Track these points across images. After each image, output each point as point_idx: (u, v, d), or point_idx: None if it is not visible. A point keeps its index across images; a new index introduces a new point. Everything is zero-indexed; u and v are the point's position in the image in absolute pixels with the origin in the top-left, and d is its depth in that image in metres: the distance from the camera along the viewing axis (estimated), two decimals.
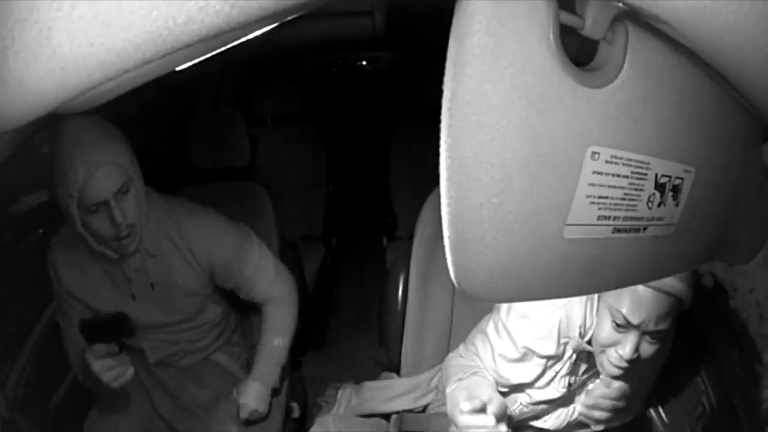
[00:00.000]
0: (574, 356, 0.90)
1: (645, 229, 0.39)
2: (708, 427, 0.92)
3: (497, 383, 0.94)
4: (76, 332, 1.06)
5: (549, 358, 0.90)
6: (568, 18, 0.32)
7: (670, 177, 0.39)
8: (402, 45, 2.80)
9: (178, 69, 0.43)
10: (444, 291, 1.17)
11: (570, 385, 0.93)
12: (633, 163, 0.36)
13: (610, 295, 0.81)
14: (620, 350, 0.80)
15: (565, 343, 0.89)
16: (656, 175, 0.38)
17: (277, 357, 1.24)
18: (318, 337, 2.22)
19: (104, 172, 0.93)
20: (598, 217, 0.36)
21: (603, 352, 0.84)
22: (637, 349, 0.79)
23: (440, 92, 0.31)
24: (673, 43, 0.35)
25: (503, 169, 0.31)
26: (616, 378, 0.86)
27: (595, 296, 0.87)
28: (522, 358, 0.90)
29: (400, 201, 2.23)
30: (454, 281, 0.35)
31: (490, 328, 0.96)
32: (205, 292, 1.18)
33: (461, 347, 1.04)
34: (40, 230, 1.22)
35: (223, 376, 1.27)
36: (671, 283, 0.75)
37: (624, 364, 0.81)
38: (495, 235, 0.33)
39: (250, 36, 0.39)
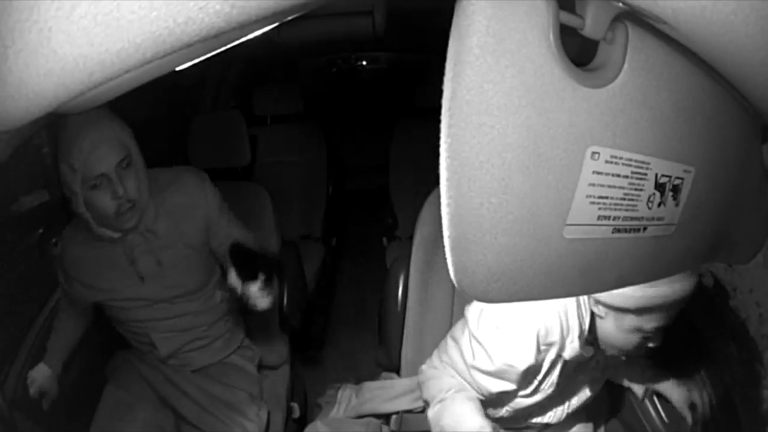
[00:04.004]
0: (559, 362, 0.88)
1: (645, 229, 0.39)
2: (708, 427, 0.92)
3: (478, 392, 0.91)
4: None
5: (529, 368, 0.86)
6: (568, 18, 0.32)
7: (670, 177, 0.39)
8: (402, 44, 2.80)
9: (178, 69, 0.43)
10: (444, 291, 1.17)
11: (558, 384, 0.91)
12: (633, 163, 0.36)
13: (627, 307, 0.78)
14: (651, 344, 0.81)
15: (546, 350, 0.86)
16: (656, 175, 0.38)
17: (243, 237, 1.25)
18: (318, 337, 2.22)
19: (107, 145, 0.99)
20: (598, 217, 0.36)
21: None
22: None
23: (440, 92, 0.31)
24: (673, 43, 0.35)
25: (503, 169, 0.31)
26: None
27: (584, 297, 0.84)
28: (499, 373, 0.87)
29: (400, 201, 2.23)
30: (454, 281, 0.35)
31: (465, 338, 0.92)
32: (205, 251, 1.22)
33: (435, 357, 1.00)
34: (40, 230, 1.22)
35: (243, 375, 1.29)
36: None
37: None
38: (495, 235, 0.33)
39: (250, 36, 0.39)
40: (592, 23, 0.32)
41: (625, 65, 0.33)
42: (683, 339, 1.01)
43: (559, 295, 0.39)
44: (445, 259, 0.34)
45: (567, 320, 0.84)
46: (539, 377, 0.89)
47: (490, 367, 0.86)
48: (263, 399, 1.31)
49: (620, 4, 0.32)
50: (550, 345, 0.85)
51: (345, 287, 2.61)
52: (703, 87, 0.38)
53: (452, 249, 0.33)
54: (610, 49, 0.34)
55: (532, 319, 0.84)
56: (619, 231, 0.38)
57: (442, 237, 0.34)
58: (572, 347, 0.84)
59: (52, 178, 1.35)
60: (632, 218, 0.38)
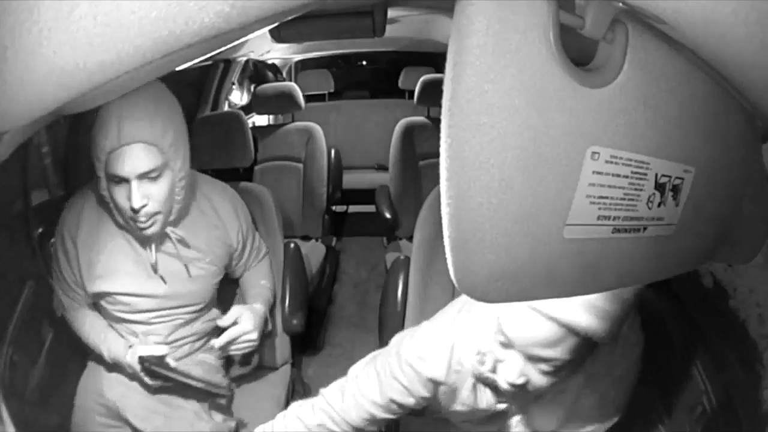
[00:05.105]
0: (480, 385, 0.78)
1: (645, 229, 0.39)
2: (708, 427, 0.92)
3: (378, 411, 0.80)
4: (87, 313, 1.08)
5: (436, 383, 0.77)
6: (568, 18, 0.32)
7: (670, 177, 0.39)
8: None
9: (178, 69, 0.43)
10: (444, 291, 1.17)
11: (500, 399, 0.80)
12: (633, 163, 0.36)
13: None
14: (502, 369, 0.69)
15: (458, 372, 0.76)
16: (656, 175, 0.38)
17: (266, 293, 1.26)
18: (318, 337, 2.22)
19: (134, 149, 0.85)
20: (598, 217, 0.36)
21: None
22: (523, 375, 0.67)
23: (440, 93, 0.31)
24: (673, 43, 0.35)
25: (503, 169, 0.31)
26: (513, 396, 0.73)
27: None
28: (405, 373, 0.78)
29: (400, 201, 2.23)
30: (454, 281, 0.35)
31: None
32: (222, 273, 1.18)
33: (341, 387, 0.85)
34: (39, 230, 1.22)
35: (207, 368, 1.22)
36: (563, 309, 0.60)
37: (506, 386, 0.69)
38: (495, 235, 0.33)
39: (250, 36, 0.39)
40: (591, 23, 0.33)
41: (625, 65, 0.33)
42: (683, 339, 1.01)
43: (559, 295, 0.39)
44: (445, 259, 0.34)
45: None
46: (464, 397, 0.80)
47: (398, 371, 0.78)
48: (229, 405, 1.26)
49: (620, 4, 0.32)
50: (461, 368, 0.76)
51: (345, 287, 2.61)
52: (703, 87, 0.38)
53: (452, 249, 0.33)
54: (610, 49, 0.34)
55: (451, 331, 0.77)
56: (619, 231, 0.38)
57: (441, 237, 0.34)
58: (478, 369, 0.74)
59: (52, 178, 1.35)
60: (632, 218, 0.38)
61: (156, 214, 0.93)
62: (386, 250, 2.21)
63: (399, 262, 1.25)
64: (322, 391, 0.87)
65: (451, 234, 0.33)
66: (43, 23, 0.28)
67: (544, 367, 0.66)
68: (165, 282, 1.04)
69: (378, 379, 0.80)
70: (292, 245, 1.52)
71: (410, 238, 1.22)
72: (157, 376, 1.04)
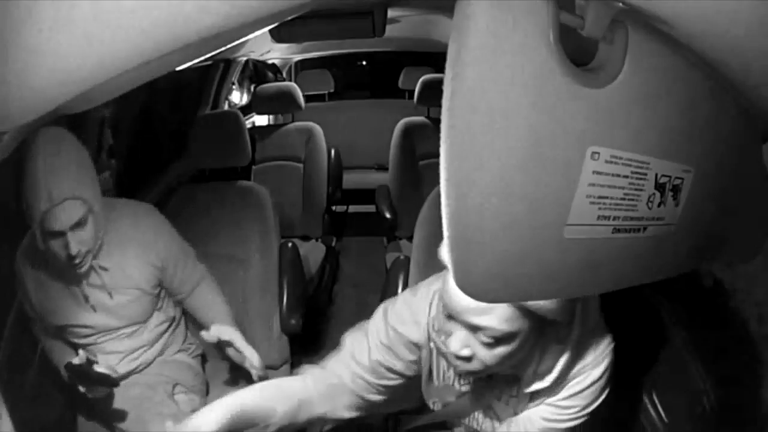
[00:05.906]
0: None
1: (645, 229, 0.39)
2: (708, 427, 0.92)
3: (371, 375, 0.83)
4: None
5: (418, 347, 0.80)
6: (568, 18, 0.32)
7: (669, 177, 0.39)
8: None
9: (178, 69, 0.43)
10: None
11: (458, 380, 0.82)
12: (633, 163, 0.36)
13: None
14: (448, 342, 0.70)
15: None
16: (656, 175, 0.38)
17: (226, 307, 1.25)
18: (318, 337, 2.22)
19: (64, 205, 0.97)
20: (598, 217, 0.36)
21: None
22: (467, 346, 0.68)
23: (440, 93, 0.31)
24: (673, 43, 0.35)
25: (503, 169, 0.31)
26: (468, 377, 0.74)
27: None
28: (390, 344, 0.81)
29: (400, 201, 2.23)
30: (455, 281, 0.35)
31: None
32: (155, 292, 1.21)
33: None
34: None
35: (182, 367, 1.27)
36: None
37: (455, 362, 0.70)
38: (495, 235, 0.33)
39: (250, 36, 0.39)
40: (591, 23, 0.33)
41: (625, 66, 0.33)
42: (683, 339, 1.01)
43: (558, 295, 0.39)
44: None
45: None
46: (431, 363, 0.82)
47: (383, 337, 0.82)
48: (205, 395, 1.26)
49: (620, 4, 0.32)
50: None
51: (345, 287, 2.61)
52: (702, 87, 0.38)
53: (452, 249, 0.33)
54: (610, 50, 0.34)
55: (430, 297, 0.80)
56: (619, 231, 0.38)
57: (441, 237, 0.34)
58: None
59: None
60: (632, 218, 0.38)
61: (87, 253, 1.05)
62: (386, 250, 2.21)
63: (399, 262, 1.25)
64: (322, 363, 0.89)
65: (451, 234, 0.33)
66: (43, 23, 0.28)
67: (484, 337, 0.66)
68: (95, 311, 1.13)
69: (367, 343, 0.83)
70: (289, 244, 1.52)
71: (410, 238, 1.22)
72: (88, 382, 1.07)
